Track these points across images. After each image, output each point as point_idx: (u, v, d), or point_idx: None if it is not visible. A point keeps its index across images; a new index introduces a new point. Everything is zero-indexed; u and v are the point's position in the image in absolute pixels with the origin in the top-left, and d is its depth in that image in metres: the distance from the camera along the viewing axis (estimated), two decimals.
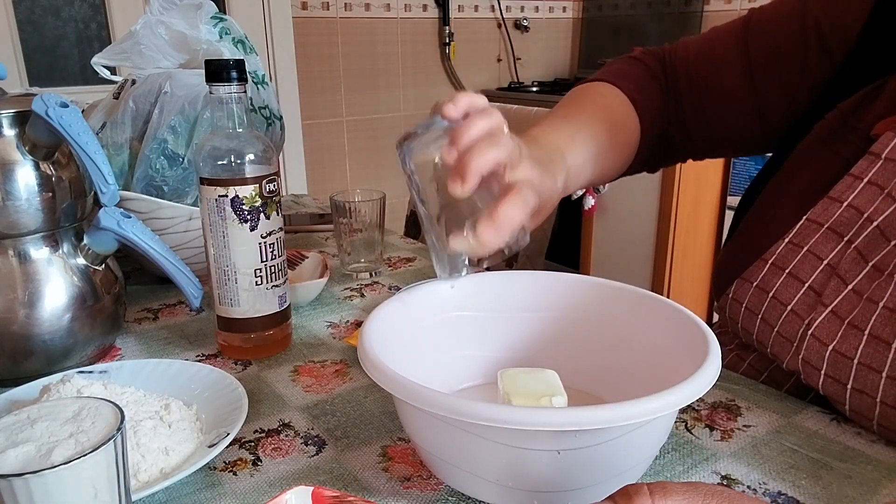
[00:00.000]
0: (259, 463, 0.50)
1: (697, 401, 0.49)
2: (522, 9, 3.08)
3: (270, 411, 0.57)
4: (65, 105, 0.58)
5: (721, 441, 0.52)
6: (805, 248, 0.56)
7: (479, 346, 0.58)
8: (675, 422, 0.48)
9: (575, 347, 0.57)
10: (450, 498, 0.46)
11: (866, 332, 0.51)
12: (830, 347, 0.53)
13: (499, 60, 3.08)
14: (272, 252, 0.64)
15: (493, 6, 2.97)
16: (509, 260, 1.30)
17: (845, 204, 0.55)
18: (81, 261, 0.64)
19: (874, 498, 0.45)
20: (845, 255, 0.54)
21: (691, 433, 0.53)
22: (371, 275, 0.89)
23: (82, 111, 0.76)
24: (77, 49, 2.14)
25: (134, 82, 0.82)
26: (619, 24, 3.09)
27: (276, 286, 0.65)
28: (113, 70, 0.86)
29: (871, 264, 0.52)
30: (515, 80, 3.13)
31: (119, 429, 0.33)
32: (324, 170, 2.67)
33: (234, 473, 0.49)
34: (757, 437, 0.53)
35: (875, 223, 0.53)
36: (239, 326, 0.65)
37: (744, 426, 0.54)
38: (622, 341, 0.55)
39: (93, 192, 0.64)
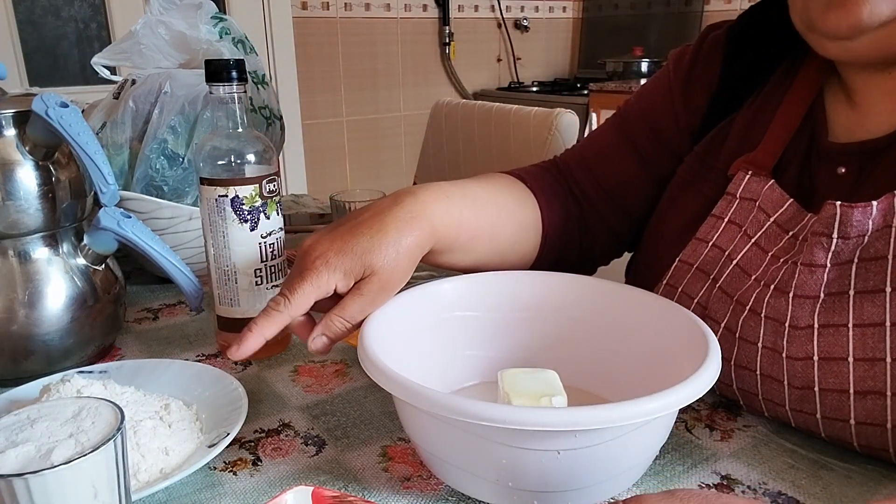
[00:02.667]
0: (259, 463, 0.50)
1: (697, 401, 0.49)
2: (522, 9, 3.09)
3: (270, 411, 0.57)
4: (65, 105, 0.58)
5: (721, 441, 0.52)
6: (679, 289, 0.59)
7: (479, 346, 0.58)
8: (675, 422, 0.48)
9: (575, 347, 0.57)
10: (450, 498, 0.46)
11: (757, 372, 0.52)
12: (734, 386, 0.55)
13: (499, 60, 3.08)
14: (272, 252, 0.64)
15: (493, 6, 2.98)
16: None
17: (710, 244, 0.58)
18: (81, 261, 0.64)
19: (874, 498, 0.45)
20: (712, 293, 0.56)
21: (691, 433, 0.53)
22: None
23: (82, 111, 0.76)
24: (77, 49, 2.14)
25: (134, 82, 0.82)
26: (619, 24, 3.09)
27: (276, 286, 0.65)
28: (113, 70, 0.86)
29: (734, 299, 0.54)
30: (515, 80, 3.14)
31: (119, 429, 0.33)
32: (324, 170, 2.67)
33: (234, 473, 0.49)
34: (757, 437, 0.53)
35: (735, 261, 0.56)
36: (239, 326, 0.64)
37: (744, 426, 0.54)
38: (622, 341, 0.55)
39: (93, 192, 0.64)
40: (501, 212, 0.64)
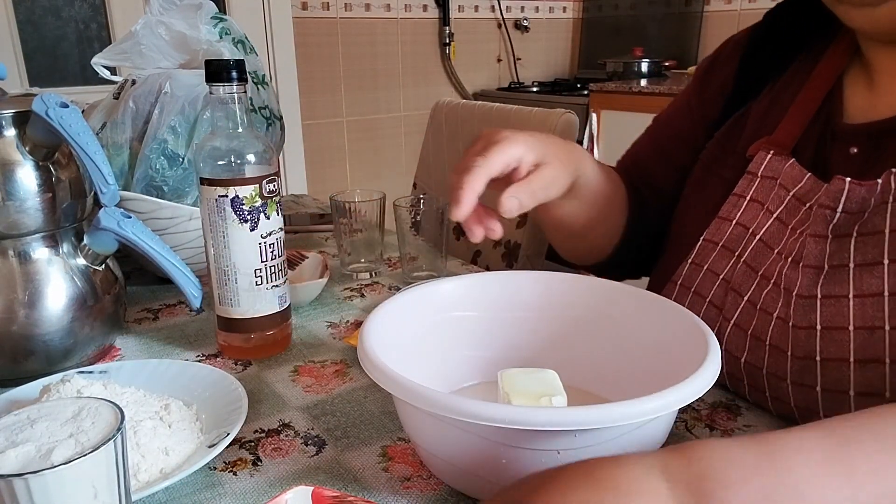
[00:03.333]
0: (259, 463, 0.50)
1: (697, 401, 0.49)
2: (522, 9, 3.09)
3: (270, 411, 0.57)
4: (65, 105, 0.58)
5: None
6: (705, 267, 0.60)
7: (479, 346, 0.58)
8: (675, 422, 0.48)
9: (575, 347, 0.57)
10: (450, 498, 0.46)
11: (767, 342, 0.53)
12: (743, 359, 0.56)
13: (499, 60, 3.08)
14: (272, 252, 0.64)
15: (493, 6, 2.97)
16: (509, 260, 1.30)
17: (734, 222, 0.60)
18: (81, 261, 0.64)
19: None
20: (736, 269, 0.58)
21: (691, 433, 0.53)
22: (371, 275, 0.89)
23: (82, 111, 0.76)
24: (77, 49, 2.14)
25: (134, 82, 0.82)
26: (619, 24, 3.09)
27: (276, 286, 0.65)
28: (113, 70, 0.86)
29: (759, 274, 0.56)
30: (515, 80, 3.14)
31: (119, 429, 0.33)
32: (324, 170, 2.67)
33: (234, 473, 0.49)
34: None
35: (758, 237, 0.57)
36: (239, 326, 0.65)
37: (744, 426, 0.54)
38: (622, 341, 0.55)
39: (93, 192, 0.64)
40: (615, 197, 0.71)
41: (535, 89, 2.96)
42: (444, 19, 2.81)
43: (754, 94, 0.66)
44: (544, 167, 0.57)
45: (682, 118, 0.74)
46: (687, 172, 0.71)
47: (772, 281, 0.54)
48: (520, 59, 3.11)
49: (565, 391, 0.48)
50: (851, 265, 0.50)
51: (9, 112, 0.58)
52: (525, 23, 3.08)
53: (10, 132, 0.59)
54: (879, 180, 0.50)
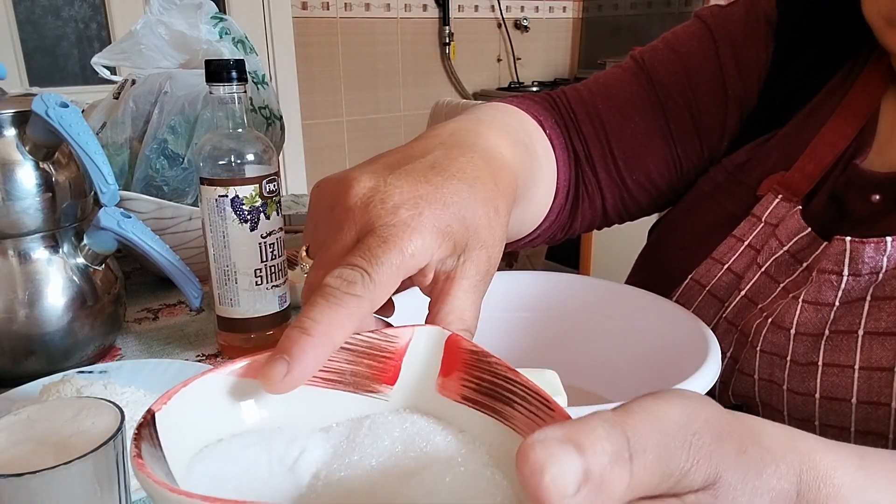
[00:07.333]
0: None
1: None
2: (522, 9, 3.09)
3: None
4: (65, 105, 0.58)
5: None
6: (690, 310, 0.56)
7: None
8: None
9: (575, 347, 0.57)
10: None
11: (757, 400, 0.52)
12: (736, 401, 0.54)
13: (499, 60, 3.08)
14: (272, 252, 0.64)
15: (493, 6, 2.97)
16: (509, 260, 1.30)
17: (725, 267, 0.56)
18: (81, 261, 0.64)
19: None
20: (719, 323, 0.55)
21: None
22: None
23: (82, 111, 0.76)
24: (77, 49, 2.14)
25: (134, 82, 0.82)
26: (619, 24, 3.09)
27: (276, 286, 0.65)
28: (113, 70, 0.86)
29: (738, 328, 0.53)
30: (515, 80, 3.13)
31: (119, 429, 0.33)
32: (324, 170, 2.67)
33: None
34: None
35: (742, 292, 0.54)
36: (239, 326, 0.65)
37: None
38: (622, 341, 0.55)
39: (93, 192, 0.64)
40: (535, 165, 0.51)
41: (535, 89, 2.96)
42: (444, 19, 2.81)
43: (785, 116, 0.58)
44: (468, 260, 0.34)
45: (712, 99, 0.60)
46: (677, 152, 0.61)
47: (748, 339, 0.52)
48: (520, 58, 3.11)
49: (565, 391, 0.48)
50: (861, 332, 0.46)
51: (9, 112, 0.58)
52: (525, 23, 3.08)
53: (10, 132, 0.59)
54: (889, 238, 0.46)
